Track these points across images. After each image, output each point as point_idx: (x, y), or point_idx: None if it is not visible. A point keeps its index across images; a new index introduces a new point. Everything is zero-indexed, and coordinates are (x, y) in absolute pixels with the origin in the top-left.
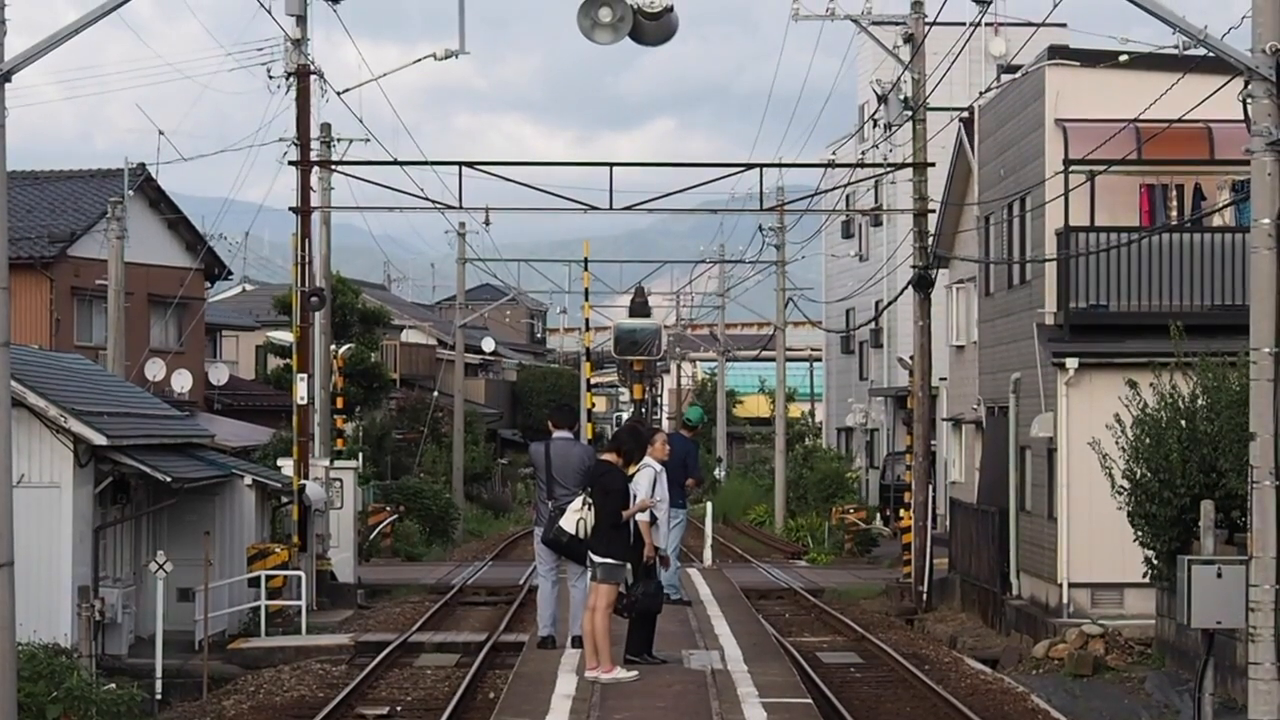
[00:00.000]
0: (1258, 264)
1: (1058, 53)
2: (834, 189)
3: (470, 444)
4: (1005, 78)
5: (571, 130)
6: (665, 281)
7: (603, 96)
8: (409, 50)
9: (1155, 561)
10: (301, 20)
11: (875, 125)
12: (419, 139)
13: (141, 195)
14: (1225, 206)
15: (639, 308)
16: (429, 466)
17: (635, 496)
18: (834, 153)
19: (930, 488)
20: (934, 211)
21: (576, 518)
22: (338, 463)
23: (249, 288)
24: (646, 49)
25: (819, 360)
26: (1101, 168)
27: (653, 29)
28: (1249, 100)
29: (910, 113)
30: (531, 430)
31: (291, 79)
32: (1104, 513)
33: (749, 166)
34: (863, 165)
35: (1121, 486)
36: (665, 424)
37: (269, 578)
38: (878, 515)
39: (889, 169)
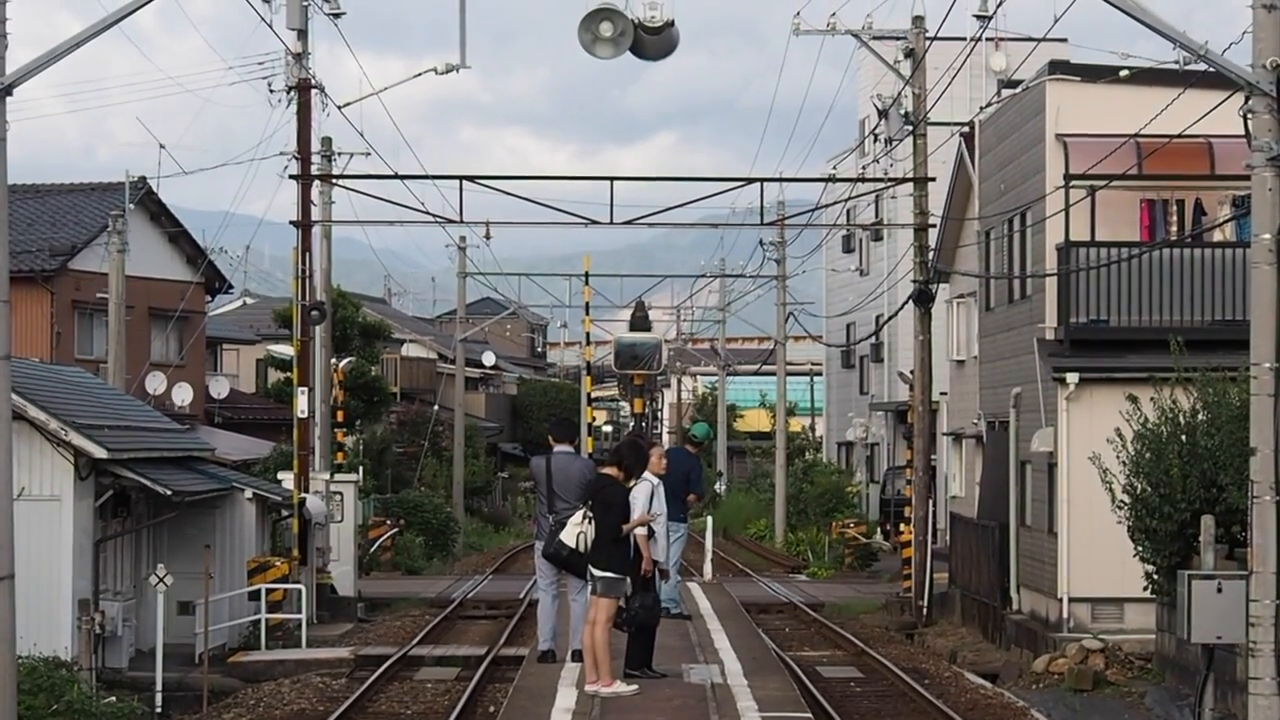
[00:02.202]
0: (1258, 279)
1: (1058, 68)
2: (834, 203)
3: (470, 458)
4: (1006, 93)
5: (574, 144)
6: (666, 296)
7: (608, 111)
8: (413, 63)
9: (1155, 576)
10: (302, 34)
11: (876, 140)
12: (423, 152)
13: (142, 209)
14: (1226, 222)
15: (639, 322)
16: (429, 480)
17: (633, 510)
18: (835, 167)
19: (930, 502)
20: (934, 226)
21: (577, 531)
22: (338, 476)
23: (249, 301)
24: (652, 63)
25: (819, 375)
26: (1102, 183)
27: (654, 43)
28: (1250, 115)
29: (911, 127)
30: (532, 444)
31: (292, 93)
32: (1104, 527)
33: (750, 181)
34: (863, 180)
35: (1122, 501)
36: (665, 438)
37: (269, 591)
38: (878, 530)
39: (889, 184)
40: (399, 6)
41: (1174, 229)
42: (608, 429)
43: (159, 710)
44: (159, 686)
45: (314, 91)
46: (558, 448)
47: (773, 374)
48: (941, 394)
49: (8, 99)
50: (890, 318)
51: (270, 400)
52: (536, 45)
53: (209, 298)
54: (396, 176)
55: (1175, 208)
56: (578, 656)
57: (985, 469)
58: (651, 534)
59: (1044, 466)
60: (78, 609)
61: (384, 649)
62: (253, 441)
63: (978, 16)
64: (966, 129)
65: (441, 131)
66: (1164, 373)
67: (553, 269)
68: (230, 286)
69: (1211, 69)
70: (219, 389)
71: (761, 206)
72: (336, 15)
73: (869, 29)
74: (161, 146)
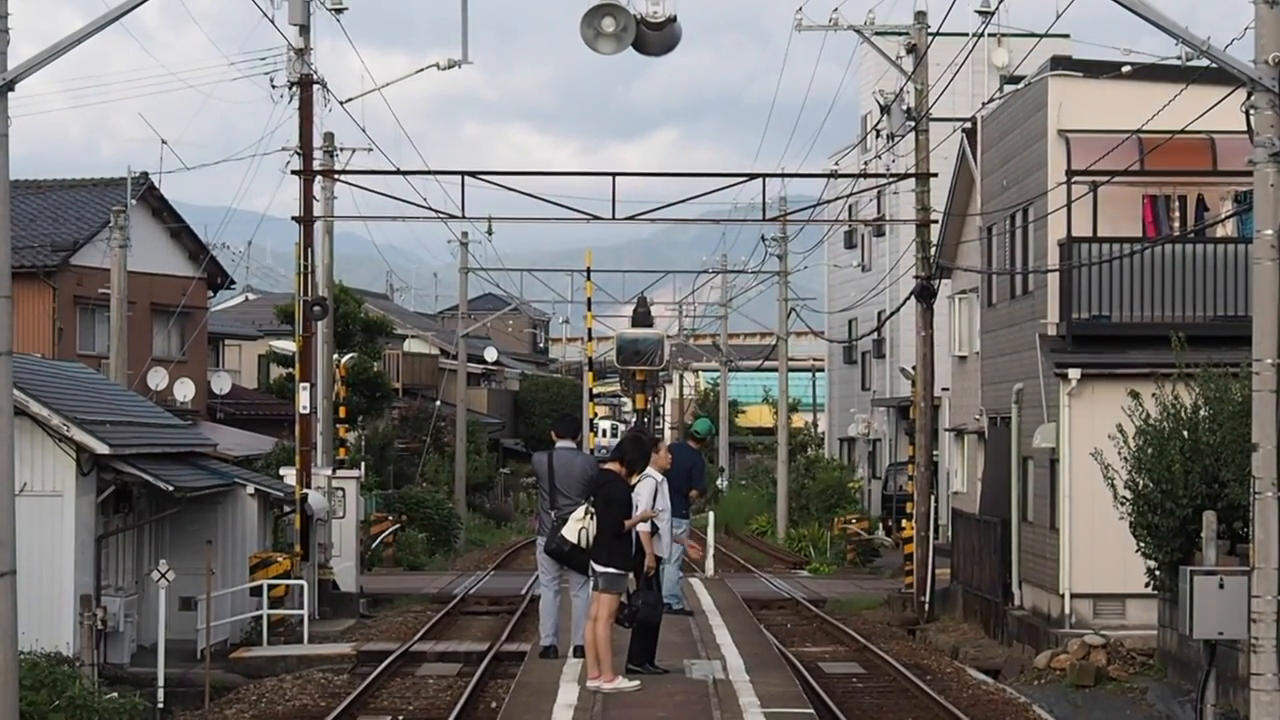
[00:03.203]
0: (1260, 275)
1: (1060, 63)
2: (836, 199)
3: (472, 453)
4: (1008, 88)
5: (578, 140)
6: (668, 291)
7: (612, 107)
8: (417, 59)
9: (1157, 572)
10: (305, 30)
11: (878, 135)
12: (426, 148)
13: (144, 204)
14: (1228, 218)
15: (641, 318)
16: (431, 476)
17: (637, 506)
18: (837, 163)
19: (932, 498)
20: (936, 222)
21: (578, 527)
22: (340, 472)
23: (251, 297)
24: (658, 59)
25: (821, 370)
26: (1104, 178)
27: (655, 39)
28: (1252, 111)
29: (913, 123)
30: (534, 440)
31: (294, 88)
32: (1106, 523)
33: (752, 176)
34: (865, 175)
35: (1124, 497)
36: (667, 434)
37: (271, 587)
38: (880, 525)
39: (891, 179)
40: (403, 3)
41: (1176, 225)
42: (604, 425)
43: (161, 706)
44: (161, 682)
45: (316, 87)
46: (560, 443)
47: (774, 370)
48: (943, 390)
49: (10, 94)
50: (892, 313)
51: (272, 396)
52: (540, 41)
53: (211, 293)
54: (399, 172)
55: (1177, 203)
56: (579, 652)
57: (987, 465)
58: (655, 530)
59: (1046, 462)
60: (79, 605)
61: (386, 645)
62: (255, 437)
63: (980, 12)
64: (969, 125)
65: (445, 127)
66: (1166, 368)
67: (555, 264)
68: (232, 282)
69: (1214, 65)
70: (221, 384)
71: (764, 202)
72: (338, 11)
73: (871, 25)
74: (163, 142)
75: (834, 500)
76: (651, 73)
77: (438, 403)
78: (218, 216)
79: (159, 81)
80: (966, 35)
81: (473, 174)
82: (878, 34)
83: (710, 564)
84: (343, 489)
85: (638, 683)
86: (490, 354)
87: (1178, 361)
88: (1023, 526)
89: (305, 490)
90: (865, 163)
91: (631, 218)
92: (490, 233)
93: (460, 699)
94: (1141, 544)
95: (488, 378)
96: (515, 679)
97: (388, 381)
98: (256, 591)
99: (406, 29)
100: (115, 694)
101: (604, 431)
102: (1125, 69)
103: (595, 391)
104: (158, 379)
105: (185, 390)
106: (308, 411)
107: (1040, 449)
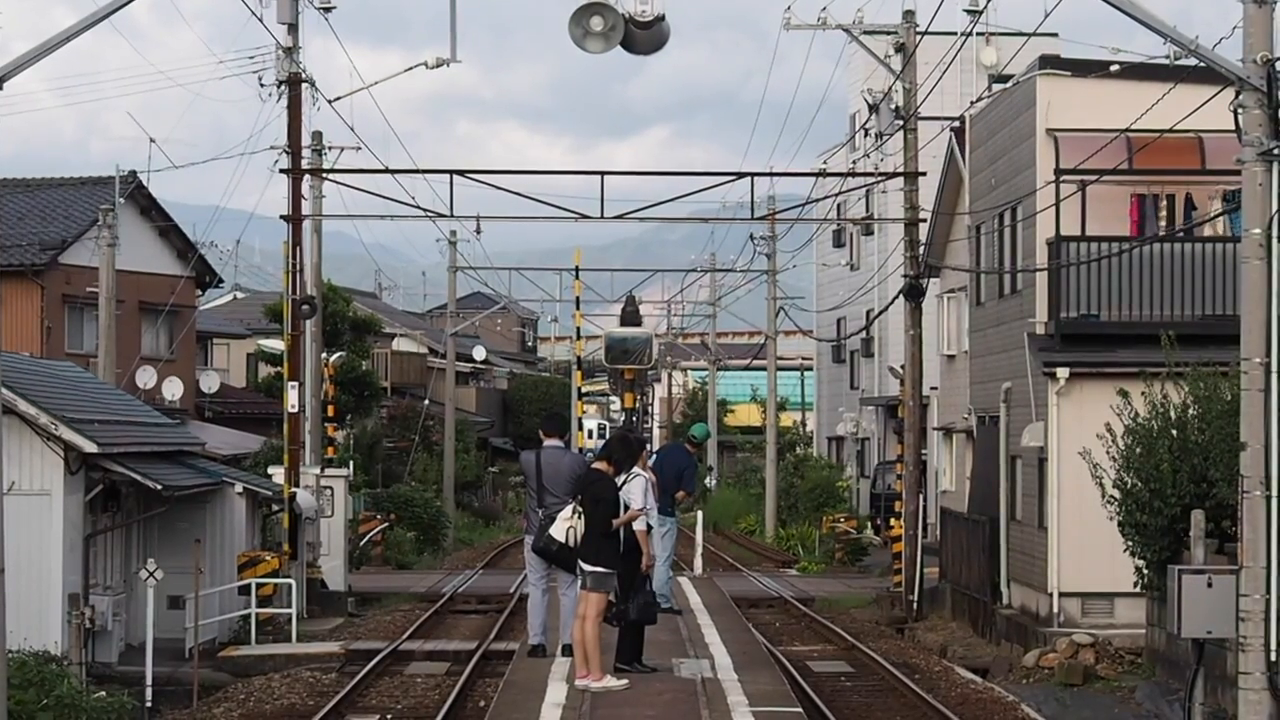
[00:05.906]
0: (1249, 274)
1: (1049, 62)
2: (825, 198)
3: (461, 452)
4: (996, 87)
5: (571, 138)
6: (657, 290)
7: (607, 105)
8: (413, 57)
9: (1146, 571)
10: (293, 28)
11: (866, 134)
12: (421, 146)
13: (133, 203)
14: (1216, 217)
15: (630, 316)
16: (420, 475)
17: (628, 505)
18: (825, 162)
19: (921, 497)
20: (925, 221)
21: (566, 526)
22: (328, 471)
23: (240, 295)
24: (652, 57)
25: (810, 369)
26: (1093, 177)
27: (644, 38)
28: (1240, 110)
29: (901, 122)
30: (523, 439)
31: (283, 87)
32: (1094, 522)
33: (740, 175)
34: (854, 174)
35: (1112, 496)
36: (656, 433)
37: (259, 585)
38: (868, 524)
39: (880, 178)
40: (397, 1)
41: (1164, 224)
42: (590, 425)
43: (149, 705)
44: (149, 681)
45: (304, 86)
46: (548, 442)
47: (763, 368)
48: (932, 389)
49: (0, 91)
50: (881, 312)
51: (261, 395)
52: (535, 39)
53: (199, 292)
54: (387, 171)
55: (1166, 203)
56: (568, 651)
57: (976, 464)
58: (649, 529)
59: (1034, 461)
60: (68, 603)
61: (374, 644)
62: (243, 436)
63: (968, 11)
64: (957, 124)
65: (440, 125)
66: (1155, 367)
67: (543, 263)
68: (221, 281)
69: (1202, 64)
70: (209, 383)
71: (752, 201)
72: (327, 9)
73: (859, 24)
74: (152, 141)
75: (822, 499)
76: (646, 71)
77: (426, 401)
78: (206, 215)
79: (149, 80)
80: (955, 34)
81: (461, 173)
82: (866, 33)
83: (699, 563)
84: (331, 488)
85: (626, 681)
86: (479, 353)
87: (1167, 360)
88: (1011, 525)
89: (293, 489)
90: (854, 161)
91: (620, 216)
92: (479, 231)
93: (449, 698)
94: (1130, 543)
95: (476, 376)
96: (504, 678)
97: (376, 380)
98: (245, 590)
99: (401, 26)
100: (103, 693)
101: (590, 432)
102: (1114, 68)
103: (584, 390)
104: (146, 378)
105: (173, 389)
106: (296, 410)
107: (1029, 448)
